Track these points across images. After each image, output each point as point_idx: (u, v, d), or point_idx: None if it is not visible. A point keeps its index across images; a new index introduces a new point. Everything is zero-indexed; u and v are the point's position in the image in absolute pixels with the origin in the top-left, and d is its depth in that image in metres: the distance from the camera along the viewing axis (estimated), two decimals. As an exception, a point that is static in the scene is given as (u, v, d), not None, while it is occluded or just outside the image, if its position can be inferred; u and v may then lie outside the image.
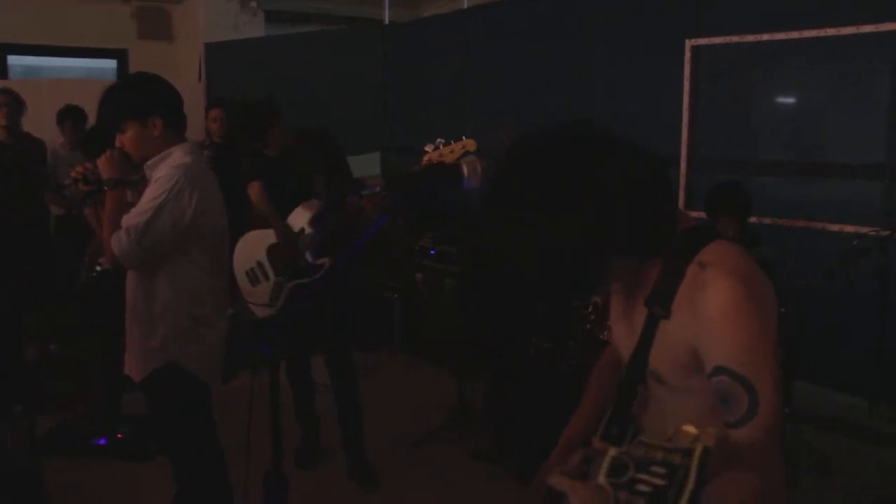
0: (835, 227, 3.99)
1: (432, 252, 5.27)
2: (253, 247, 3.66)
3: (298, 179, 3.55)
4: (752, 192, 3.72)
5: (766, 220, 4.16)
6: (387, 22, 7.10)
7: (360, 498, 3.57)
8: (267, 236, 3.61)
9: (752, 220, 3.75)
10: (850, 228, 3.88)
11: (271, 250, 3.61)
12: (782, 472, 1.25)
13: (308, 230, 3.47)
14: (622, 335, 1.49)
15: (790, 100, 4.33)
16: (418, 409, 4.44)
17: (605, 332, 3.29)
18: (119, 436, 3.95)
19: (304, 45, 7.06)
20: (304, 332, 3.75)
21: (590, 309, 3.40)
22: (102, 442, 3.92)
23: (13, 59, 7.56)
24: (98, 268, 3.86)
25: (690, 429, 0.93)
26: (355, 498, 3.57)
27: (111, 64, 7.99)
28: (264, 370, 1.84)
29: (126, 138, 2.38)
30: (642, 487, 0.91)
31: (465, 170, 1.47)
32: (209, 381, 2.49)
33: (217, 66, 7.21)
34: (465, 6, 6.29)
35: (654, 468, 0.92)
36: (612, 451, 0.99)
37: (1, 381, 4.10)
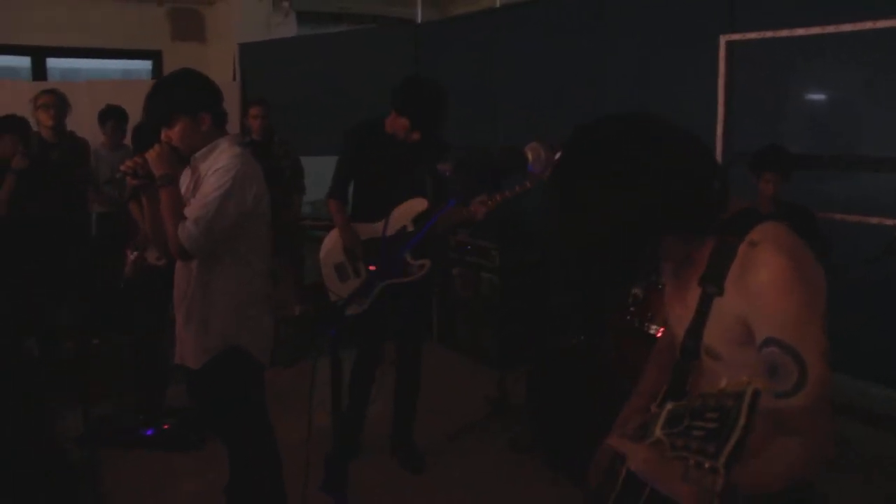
0: (874, 220, 3.98)
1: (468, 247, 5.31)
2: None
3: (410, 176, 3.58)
4: (789, 186, 3.75)
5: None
6: (419, 21, 7.15)
7: (400, 488, 3.63)
8: (362, 231, 3.60)
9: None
10: (889, 221, 3.87)
11: (368, 245, 3.59)
12: (831, 438, 1.28)
13: (410, 228, 3.51)
14: (677, 316, 1.54)
15: (826, 94, 4.32)
16: (456, 402, 4.49)
17: (646, 325, 3.32)
18: (165, 427, 4.06)
19: (335, 45, 7.14)
20: (378, 327, 3.69)
21: (630, 301, 3.43)
22: (150, 433, 4.03)
23: (52, 63, 7.72)
24: (145, 260, 3.96)
25: (743, 378, 0.97)
26: (395, 486, 3.64)
27: (146, 65, 8.14)
28: (326, 355, 1.89)
29: (174, 133, 2.42)
30: (696, 432, 0.95)
31: (530, 155, 1.52)
32: (264, 362, 2.57)
33: (251, 66, 7.32)
34: (497, 4, 6.31)
35: (708, 414, 0.95)
36: (670, 406, 1.04)
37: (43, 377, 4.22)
